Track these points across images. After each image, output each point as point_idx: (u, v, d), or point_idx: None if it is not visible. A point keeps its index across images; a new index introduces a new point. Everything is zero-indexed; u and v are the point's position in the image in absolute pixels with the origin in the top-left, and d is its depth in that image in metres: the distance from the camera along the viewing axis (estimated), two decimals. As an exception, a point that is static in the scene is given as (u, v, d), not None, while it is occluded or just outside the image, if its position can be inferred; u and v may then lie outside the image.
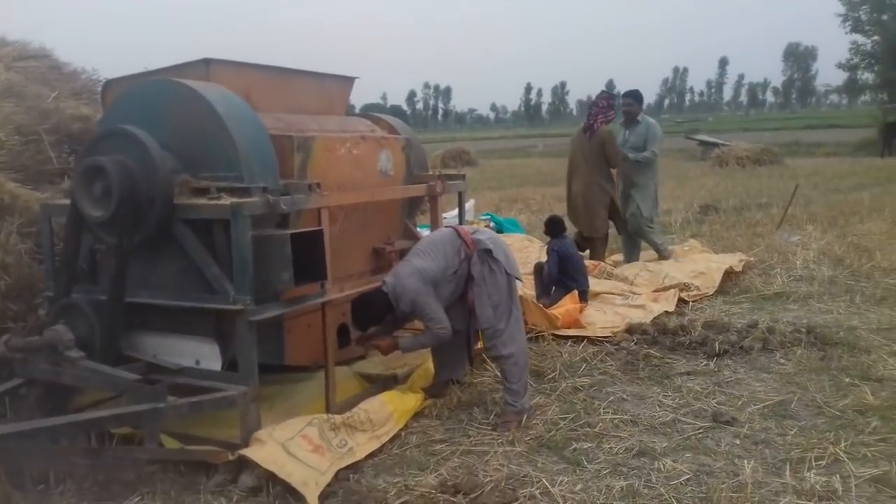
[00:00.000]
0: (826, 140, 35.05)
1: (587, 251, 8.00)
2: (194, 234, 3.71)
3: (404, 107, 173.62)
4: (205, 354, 3.81)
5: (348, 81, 5.23)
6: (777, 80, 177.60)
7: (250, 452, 3.43)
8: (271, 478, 3.36)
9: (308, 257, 3.73)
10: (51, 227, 4.19)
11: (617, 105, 8.28)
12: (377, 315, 4.18)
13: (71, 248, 3.90)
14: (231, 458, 3.48)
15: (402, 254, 5.05)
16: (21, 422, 3.60)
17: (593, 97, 8.83)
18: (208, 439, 3.75)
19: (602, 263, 7.63)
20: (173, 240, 3.74)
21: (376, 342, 4.33)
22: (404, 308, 4.08)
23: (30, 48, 6.38)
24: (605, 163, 7.79)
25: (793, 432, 3.94)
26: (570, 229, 8.02)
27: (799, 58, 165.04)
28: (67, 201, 3.95)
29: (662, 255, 8.12)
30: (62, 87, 5.92)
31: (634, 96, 8.28)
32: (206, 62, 4.16)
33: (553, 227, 6.72)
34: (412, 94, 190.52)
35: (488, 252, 4.22)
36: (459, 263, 4.18)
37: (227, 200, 3.58)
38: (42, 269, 4.28)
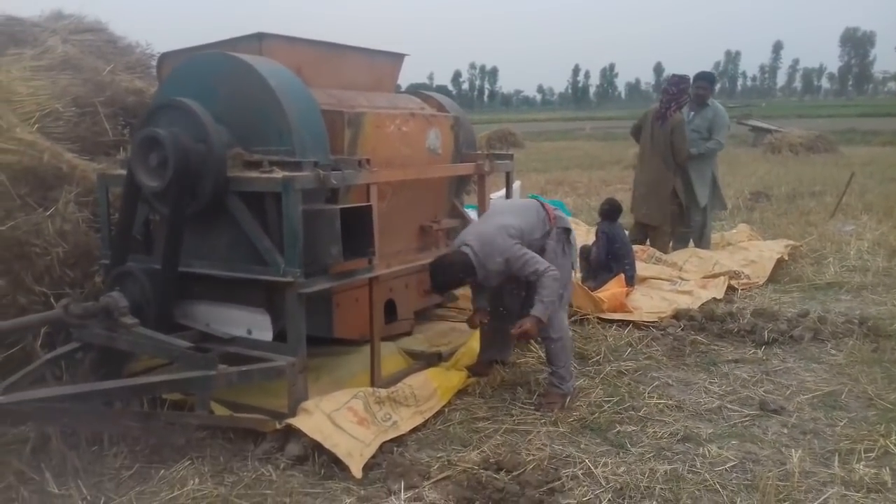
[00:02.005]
0: (883, 129, 33.96)
1: (646, 242, 7.65)
2: (246, 206, 3.76)
3: (450, 87, 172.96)
4: (256, 324, 3.87)
5: (398, 58, 5.22)
6: (833, 65, 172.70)
7: (297, 422, 3.49)
8: (317, 447, 3.41)
9: (356, 233, 3.76)
10: (108, 197, 4.28)
11: (690, 89, 7.72)
12: (458, 279, 4.06)
13: (127, 218, 4.00)
14: (278, 426, 3.55)
15: (449, 233, 5.06)
16: (77, 384, 3.71)
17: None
18: (257, 408, 3.83)
19: (651, 248, 7.48)
20: (226, 212, 3.80)
21: (522, 330, 3.98)
22: (494, 268, 3.94)
23: (86, 21, 6.45)
24: (671, 152, 7.42)
25: (842, 423, 3.88)
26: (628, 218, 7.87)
27: (857, 43, 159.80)
28: (124, 171, 4.04)
29: (701, 245, 7.79)
30: (117, 60, 5.99)
31: (708, 79, 7.88)
32: (259, 37, 4.20)
33: (609, 210, 6.59)
34: (458, 75, 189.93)
35: (567, 232, 4.19)
36: (542, 234, 4.14)
37: (278, 174, 3.62)
38: (99, 237, 4.38)
